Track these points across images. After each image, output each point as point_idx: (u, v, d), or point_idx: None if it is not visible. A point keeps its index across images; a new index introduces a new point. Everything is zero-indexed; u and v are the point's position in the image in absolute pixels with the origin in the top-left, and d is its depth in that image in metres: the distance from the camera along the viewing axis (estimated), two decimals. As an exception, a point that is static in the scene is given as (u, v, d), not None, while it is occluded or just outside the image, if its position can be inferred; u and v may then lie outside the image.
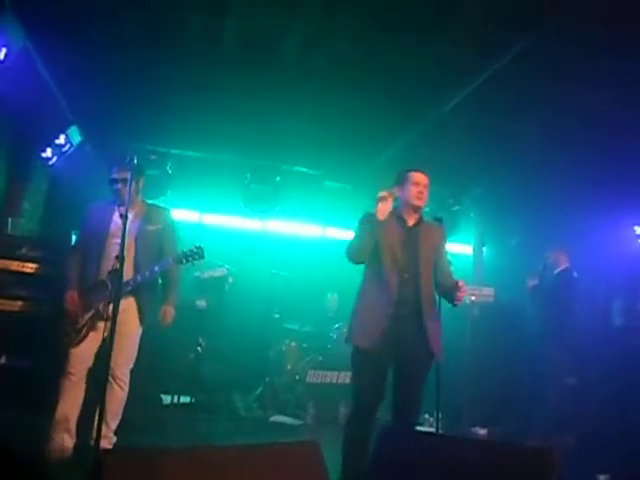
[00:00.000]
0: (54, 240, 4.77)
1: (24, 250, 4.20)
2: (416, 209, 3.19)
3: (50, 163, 5.39)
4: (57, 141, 5.27)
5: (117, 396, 3.38)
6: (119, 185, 3.42)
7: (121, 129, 5.41)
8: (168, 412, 4.87)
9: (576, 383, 5.05)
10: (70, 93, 4.83)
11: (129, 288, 3.34)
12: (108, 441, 3.31)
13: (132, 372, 3.48)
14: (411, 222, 3.20)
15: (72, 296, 3.40)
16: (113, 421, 3.37)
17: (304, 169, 6.45)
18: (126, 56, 4.26)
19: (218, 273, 5.44)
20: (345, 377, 5.67)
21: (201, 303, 5.29)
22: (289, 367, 5.75)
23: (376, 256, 3.08)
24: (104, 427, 3.06)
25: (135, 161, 3.16)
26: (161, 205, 3.81)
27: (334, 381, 5.65)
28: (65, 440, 3.23)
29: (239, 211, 6.58)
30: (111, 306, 3.03)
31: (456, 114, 4.62)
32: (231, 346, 5.87)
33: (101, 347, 3.31)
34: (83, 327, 3.34)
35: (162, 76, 4.53)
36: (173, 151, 6.08)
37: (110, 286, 3.25)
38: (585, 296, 4.67)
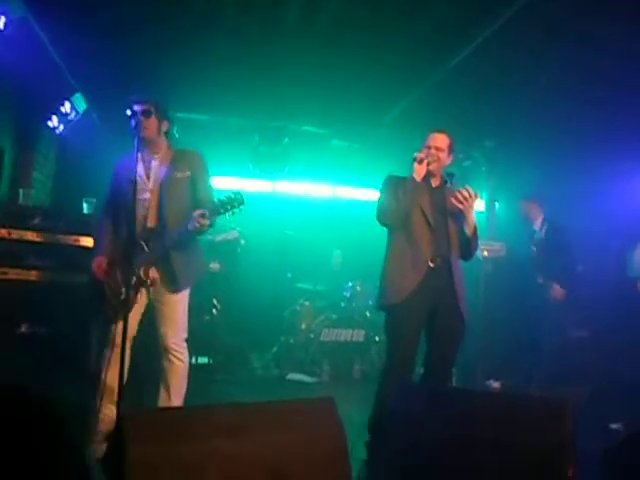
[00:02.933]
0: (66, 209, 4.80)
1: (37, 220, 4.23)
2: (428, 171, 3.14)
3: (57, 132, 5.39)
4: (62, 109, 5.24)
5: (176, 370, 3.09)
6: (140, 118, 2.95)
7: (126, 95, 5.35)
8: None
9: (588, 335, 5.08)
10: (73, 60, 4.77)
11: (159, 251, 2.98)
12: None
13: (148, 335, 3.14)
14: (435, 183, 3.24)
15: (99, 262, 3.08)
16: (177, 397, 3.11)
17: (312, 128, 6.38)
18: (128, 20, 4.18)
19: (230, 236, 5.47)
20: (359, 335, 5.75)
21: (214, 266, 5.34)
22: (303, 326, 5.84)
23: (408, 216, 3.09)
24: (169, 403, 3.02)
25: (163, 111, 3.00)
26: (191, 149, 3.32)
27: (348, 339, 5.73)
28: (113, 412, 2.81)
29: (248, 173, 6.56)
30: (148, 270, 2.91)
31: (464, 69, 4.52)
32: (246, 307, 5.95)
33: (144, 314, 3.09)
34: (126, 296, 2.86)
35: (165, 39, 4.44)
36: (179, 115, 6.03)
37: (147, 248, 2.96)
38: (600, 246, 4.62)
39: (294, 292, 6.07)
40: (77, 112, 5.48)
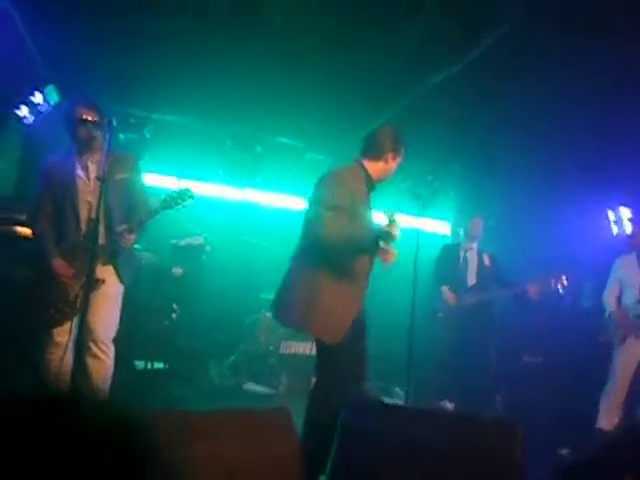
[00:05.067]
0: (29, 201, 4.68)
1: (-2, 212, 4.12)
2: None
3: (25, 122, 5.26)
4: (33, 99, 5.13)
5: (101, 365, 3.08)
6: (89, 129, 3.01)
7: (100, 91, 5.28)
8: (141, 377, 4.89)
9: (542, 361, 5.21)
10: (48, 53, 4.69)
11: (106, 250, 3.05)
12: None
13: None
14: None
15: (60, 263, 3.06)
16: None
17: (286, 140, 6.40)
18: (107, 14, 4.14)
19: (196, 241, 5.42)
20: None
21: (177, 270, 5.28)
22: (263, 337, 5.80)
23: None
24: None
25: (114, 123, 3.04)
26: (125, 152, 3.42)
27: (307, 352, 5.72)
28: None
29: (218, 179, 6.52)
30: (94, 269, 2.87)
31: (438, 91, 4.63)
32: (206, 314, 5.89)
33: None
34: (76, 298, 3.00)
35: (144, 39, 4.42)
36: (153, 115, 5.98)
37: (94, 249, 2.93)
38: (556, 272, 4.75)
39: (257, 302, 6.03)
40: (48, 103, 5.37)
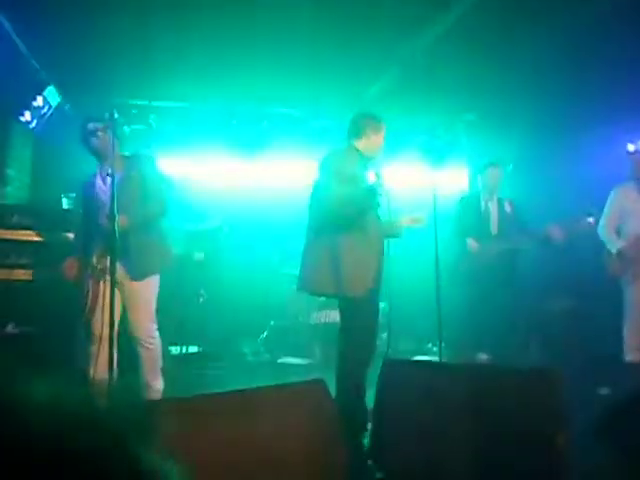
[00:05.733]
0: (44, 206, 4.73)
1: (15, 218, 4.17)
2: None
3: (31, 127, 5.28)
4: (35, 103, 5.13)
5: (148, 355, 3.31)
6: (98, 140, 3.27)
7: (99, 85, 5.27)
8: (178, 363, 4.99)
9: (573, 304, 5.14)
10: (43, 54, 4.67)
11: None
12: (153, 390, 3.35)
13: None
14: None
15: (71, 262, 3.32)
16: (154, 380, 3.33)
17: (290, 110, 6.33)
18: (97, 7, 4.08)
19: (212, 224, 5.44)
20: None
21: (198, 255, 5.31)
22: (292, 310, 5.85)
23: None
24: (146, 379, 3.29)
25: (116, 116, 3.11)
26: (140, 152, 3.66)
27: (337, 320, 5.74)
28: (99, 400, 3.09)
29: (228, 159, 6.50)
30: (100, 259, 3.16)
31: (445, 41, 4.49)
32: (233, 294, 5.94)
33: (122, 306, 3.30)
34: (93, 294, 3.25)
35: (137, 26, 4.35)
36: (155, 103, 5.95)
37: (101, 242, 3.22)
38: (581, 214, 4.64)
39: (280, 277, 6.07)
40: (50, 106, 5.37)
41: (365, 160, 3.33)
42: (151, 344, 3.32)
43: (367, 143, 3.33)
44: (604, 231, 4.34)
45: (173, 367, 4.86)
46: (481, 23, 4.28)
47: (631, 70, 4.60)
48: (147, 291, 3.33)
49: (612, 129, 5.11)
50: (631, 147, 4.80)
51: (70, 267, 3.31)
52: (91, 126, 3.28)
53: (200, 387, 4.30)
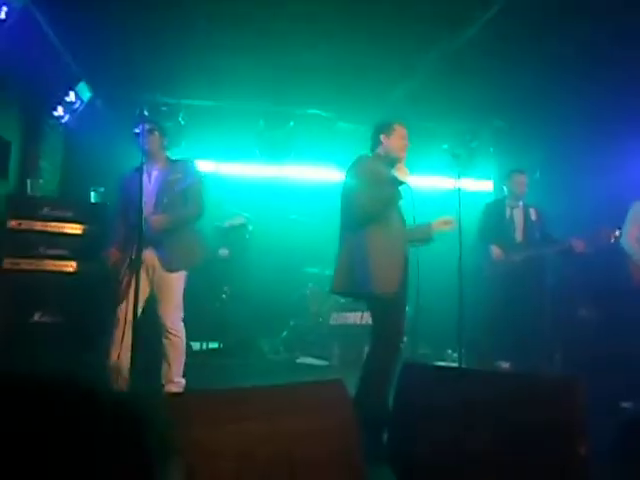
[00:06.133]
0: (74, 199, 4.83)
1: (45, 210, 4.26)
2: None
3: (63, 121, 5.39)
4: (67, 98, 5.24)
5: (174, 345, 3.55)
6: (149, 140, 3.54)
7: (130, 82, 5.36)
8: (198, 358, 5.04)
9: (597, 315, 5.06)
10: (76, 49, 4.76)
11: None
12: (176, 385, 3.56)
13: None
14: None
15: (112, 251, 3.56)
16: (176, 366, 3.56)
17: (317, 111, 6.34)
18: (130, 6, 4.15)
19: (237, 222, 5.48)
20: (367, 318, 5.74)
21: (223, 252, 5.36)
22: (312, 310, 5.86)
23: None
24: (170, 373, 3.51)
25: (145, 113, 3.20)
26: (186, 158, 3.91)
27: (357, 322, 5.75)
28: (121, 384, 3.30)
29: (255, 158, 6.55)
30: (141, 252, 3.21)
31: (472, 46, 4.46)
32: (255, 292, 5.98)
33: (150, 295, 3.55)
34: (126, 281, 3.44)
35: (168, 25, 4.41)
36: (184, 101, 6.02)
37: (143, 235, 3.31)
38: (611, 225, 4.57)
39: (302, 276, 6.09)
40: (82, 101, 5.48)
41: (391, 164, 3.40)
42: (177, 333, 3.55)
43: (386, 149, 3.43)
44: (628, 242, 4.32)
45: (193, 362, 4.92)
46: (509, 29, 4.25)
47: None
48: (177, 283, 3.58)
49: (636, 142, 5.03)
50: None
51: (113, 255, 3.54)
52: (145, 126, 3.47)
53: (219, 383, 4.33)
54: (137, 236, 3.07)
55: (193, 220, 3.68)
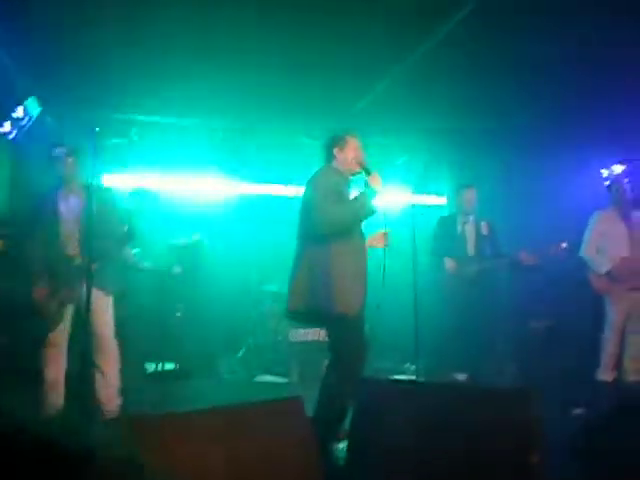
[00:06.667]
0: (22, 217, 4.66)
1: (-8, 229, 4.11)
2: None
3: (10, 137, 5.22)
4: (15, 114, 5.09)
5: (110, 366, 3.63)
6: (64, 165, 3.57)
7: (81, 97, 5.24)
8: (152, 380, 4.91)
9: (548, 325, 5.22)
10: (24, 63, 4.64)
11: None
12: (112, 405, 3.63)
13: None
14: None
15: (41, 292, 3.56)
16: (112, 383, 3.64)
17: (278, 126, 6.32)
18: (80, 20, 4.07)
19: (192, 239, 5.40)
20: (327, 334, 5.75)
21: (177, 269, 5.27)
22: (271, 327, 5.81)
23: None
24: (105, 392, 3.58)
25: (97, 129, 3.14)
26: (99, 184, 3.88)
27: (316, 338, 5.73)
28: (58, 401, 3.51)
29: (211, 175, 6.49)
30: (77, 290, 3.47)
31: (429, 57, 4.54)
32: (211, 311, 5.89)
33: (75, 316, 3.63)
34: (57, 310, 3.56)
35: (123, 40, 4.35)
36: (138, 117, 5.93)
37: (68, 272, 3.53)
38: (559, 240, 4.73)
39: (260, 294, 6.04)
40: (30, 116, 5.32)
41: (347, 177, 3.38)
42: (114, 347, 3.67)
43: (341, 162, 3.38)
44: (588, 253, 4.44)
45: (148, 384, 4.79)
46: (466, 40, 4.34)
47: (610, 94, 4.71)
48: (106, 307, 3.68)
49: (587, 153, 5.24)
50: (605, 172, 4.92)
51: (40, 296, 3.55)
52: (57, 151, 3.55)
53: (176, 404, 4.23)
54: (69, 272, 3.40)
55: (110, 251, 3.62)
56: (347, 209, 3.15)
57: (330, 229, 3.09)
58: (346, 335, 3.11)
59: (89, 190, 3.53)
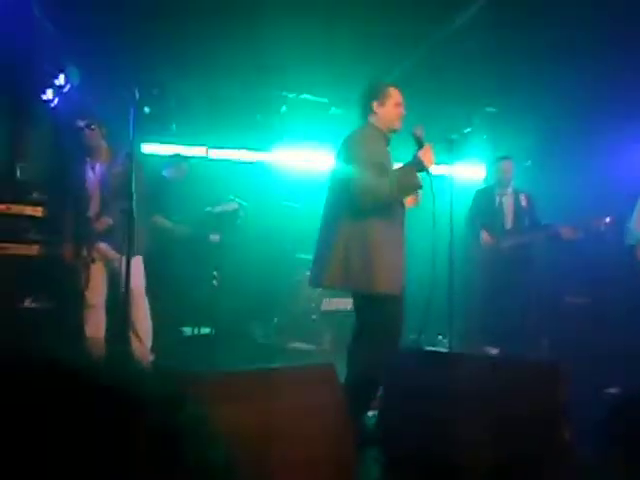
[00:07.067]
0: (56, 184, 4.78)
1: (35, 194, 4.23)
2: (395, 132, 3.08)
3: (52, 105, 5.32)
4: (56, 82, 5.17)
5: (144, 312, 3.91)
6: (87, 135, 3.77)
7: (121, 65, 5.29)
8: (189, 343, 5.05)
9: (586, 302, 5.11)
10: (66, 31, 4.70)
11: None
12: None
13: (151, 306, 3.99)
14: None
15: (67, 251, 3.87)
16: (146, 340, 3.93)
17: (310, 96, 6.30)
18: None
19: (230, 207, 5.46)
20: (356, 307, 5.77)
21: (214, 237, 5.35)
22: (304, 296, 5.87)
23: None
24: (141, 347, 3.84)
25: (137, 95, 3.17)
26: (126, 150, 3.74)
27: (348, 308, 5.76)
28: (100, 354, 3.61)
29: (247, 143, 6.51)
30: (100, 249, 3.83)
31: (465, 31, 4.45)
32: (246, 278, 5.98)
33: (111, 279, 3.93)
34: (88, 270, 3.88)
35: (163, 7, 4.36)
36: (176, 85, 5.96)
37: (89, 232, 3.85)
38: (601, 214, 4.60)
39: (295, 262, 6.08)
40: (72, 84, 5.41)
41: (387, 135, 3.07)
42: (144, 306, 3.90)
43: (381, 117, 3.02)
44: (637, 229, 4.31)
45: (185, 347, 4.93)
46: (502, 16, 4.24)
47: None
48: (138, 265, 3.80)
49: (632, 130, 5.05)
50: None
51: (68, 255, 3.87)
52: (80, 122, 3.74)
53: (210, 367, 4.35)
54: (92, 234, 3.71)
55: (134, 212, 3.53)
56: (391, 184, 2.81)
57: (372, 204, 2.82)
58: (383, 316, 2.92)
59: (122, 156, 3.71)
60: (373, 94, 3.04)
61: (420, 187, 2.94)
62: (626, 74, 4.72)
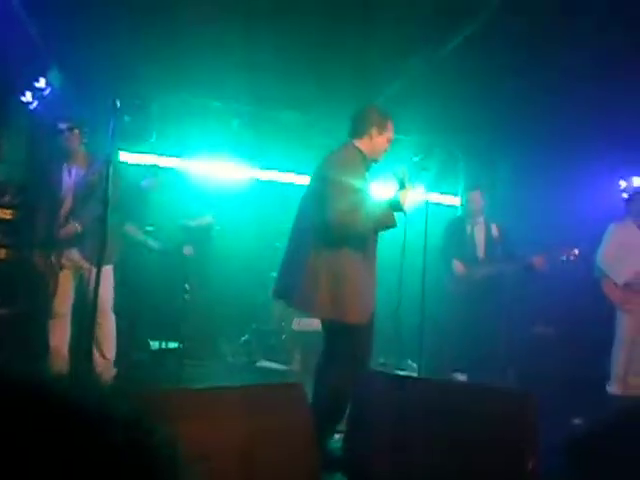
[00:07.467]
0: (31, 187, 4.69)
1: (6, 198, 4.15)
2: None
3: (31, 107, 5.24)
4: (37, 84, 5.11)
5: (108, 330, 3.79)
6: (66, 138, 3.73)
7: (103, 72, 5.26)
8: (156, 357, 4.95)
9: (554, 332, 5.19)
10: (50, 34, 4.66)
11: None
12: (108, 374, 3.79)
13: (119, 317, 3.91)
14: None
15: (40, 259, 3.78)
16: (109, 353, 3.83)
17: (295, 114, 6.33)
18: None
19: (205, 221, 5.42)
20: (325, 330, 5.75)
21: (188, 250, 5.29)
22: (275, 314, 5.83)
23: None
24: (102, 360, 3.74)
25: (118, 104, 3.15)
26: (103, 151, 3.69)
27: (319, 328, 5.72)
28: (62, 369, 3.67)
29: (226, 158, 6.49)
30: (70, 256, 3.74)
31: (449, 61, 4.54)
32: (218, 293, 5.91)
33: (77, 287, 3.86)
34: (56, 277, 3.78)
35: (147, 17, 4.37)
36: (157, 95, 5.94)
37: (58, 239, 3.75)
38: (569, 245, 4.70)
39: (268, 280, 6.04)
40: (52, 87, 5.34)
41: (369, 162, 3.05)
42: (110, 319, 3.82)
43: (371, 144, 3.01)
44: (606, 261, 4.39)
45: (151, 360, 4.83)
46: (487, 45, 4.34)
47: (625, 105, 4.68)
48: (107, 278, 3.74)
49: (606, 163, 5.20)
50: (623, 184, 4.87)
51: (37, 260, 3.78)
52: (62, 125, 3.73)
53: (177, 383, 4.28)
54: (62, 241, 3.60)
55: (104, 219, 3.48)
56: (367, 220, 2.82)
57: (344, 235, 2.81)
58: (352, 343, 2.91)
59: (99, 163, 3.64)
60: (376, 121, 3.02)
61: (395, 227, 2.94)
62: (594, 108, 4.87)
